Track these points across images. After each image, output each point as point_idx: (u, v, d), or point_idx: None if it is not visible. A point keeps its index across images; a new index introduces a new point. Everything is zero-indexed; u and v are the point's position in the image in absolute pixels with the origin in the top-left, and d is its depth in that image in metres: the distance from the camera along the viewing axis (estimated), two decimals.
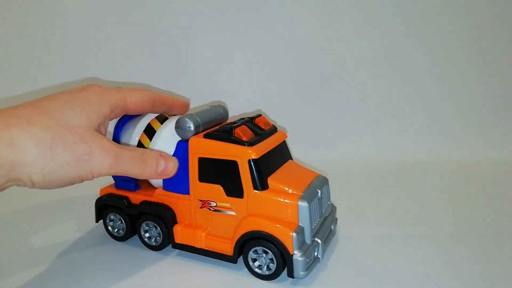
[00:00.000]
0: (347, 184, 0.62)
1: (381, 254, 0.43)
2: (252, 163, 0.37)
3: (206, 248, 0.41)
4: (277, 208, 0.37)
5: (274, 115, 0.74)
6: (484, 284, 0.37)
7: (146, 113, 0.44)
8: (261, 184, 0.37)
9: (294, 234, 0.36)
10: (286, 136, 0.45)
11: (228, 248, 0.39)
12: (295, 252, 0.36)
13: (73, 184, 0.33)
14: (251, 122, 0.42)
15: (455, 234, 0.47)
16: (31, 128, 0.30)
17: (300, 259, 0.36)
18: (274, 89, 0.76)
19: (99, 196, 0.46)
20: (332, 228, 0.44)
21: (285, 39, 0.74)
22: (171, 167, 0.39)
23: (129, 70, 0.74)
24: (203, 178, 0.39)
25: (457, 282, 0.38)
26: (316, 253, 0.38)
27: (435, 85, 0.76)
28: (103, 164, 0.33)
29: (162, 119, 0.44)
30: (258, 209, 0.38)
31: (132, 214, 0.44)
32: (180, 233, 0.41)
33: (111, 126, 0.54)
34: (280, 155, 0.42)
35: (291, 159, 0.45)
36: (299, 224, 0.37)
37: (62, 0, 0.73)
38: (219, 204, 0.39)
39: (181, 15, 0.74)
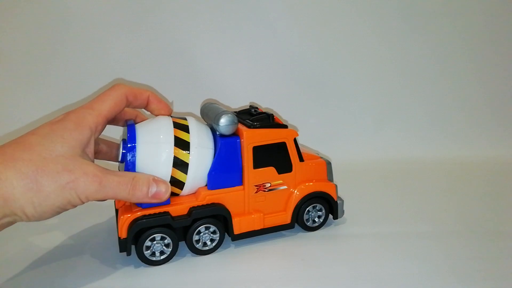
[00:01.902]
0: (348, 182, 0.59)
1: (381, 251, 0.44)
2: (295, 140, 0.46)
3: (265, 227, 0.45)
4: (314, 171, 0.48)
5: (274, 113, 0.70)
6: (485, 282, 0.38)
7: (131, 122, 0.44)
8: (300, 156, 0.47)
9: (336, 185, 0.48)
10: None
11: (284, 218, 0.46)
12: (338, 198, 0.49)
13: (66, 210, 0.35)
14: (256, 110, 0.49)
15: (456, 233, 0.47)
16: (15, 163, 0.32)
17: (340, 202, 0.49)
18: (275, 87, 0.74)
19: (133, 221, 0.40)
20: None
21: (286, 37, 0.73)
22: (163, 191, 0.39)
23: (129, 69, 0.70)
24: (257, 164, 0.44)
25: (458, 280, 0.38)
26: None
27: (437, 84, 0.77)
28: (89, 189, 0.34)
29: (182, 127, 0.43)
30: (302, 177, 0.47)
31: (185, 225, 0.42)
32: (239, 223, 0.44)
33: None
34: None
35: None
36: (328, 179, 0.49)
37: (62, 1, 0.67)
38: (273, 183, 0.45)
39: (181, 14, 0.69)
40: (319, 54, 0.75)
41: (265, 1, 0.71)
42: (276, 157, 0.45)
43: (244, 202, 0.44)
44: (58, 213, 0.35)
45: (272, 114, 0.46)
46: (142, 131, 0.41)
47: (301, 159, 0.47)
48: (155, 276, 0.40)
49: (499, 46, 0.76)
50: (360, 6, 0.73)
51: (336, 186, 0.49)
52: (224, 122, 0.42)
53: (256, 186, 0.45)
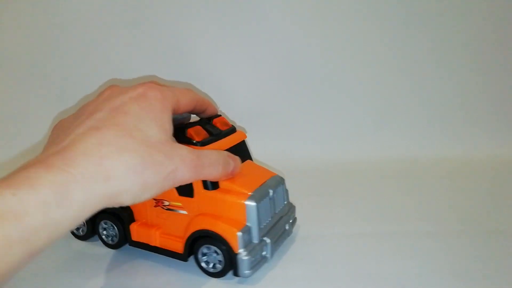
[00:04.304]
0: (348, 182, 0.63)
1: (380, 251, 0.44)
2: None
3: (160, 246, 0.42)
4: (226, 208, 0.38)
5: (273, 113, 0.76)
6: (485, 282, 0.38)
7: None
8: (211, 183, 0.38)
9: (239, 233, 0.37)
10: (245, 137, 0.46)
11: (179, 247, 0.40)
12: (240, 251, 0.37)
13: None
14: (208, 122, 0.43)
15: (456, 232, 0.47)
16: (122, 156, 0.29)
17: (244, 258, 0.37)
18: (273, 87, 0.76)
19: None
20: (287, 227, 0.44)
21: (285, 37, 0.74)
22: (238, 166, 0.40)
23: (129, 69, 0.73)
24: None
25: (459, 279, 0.38)
26: (264, 253, 0.39)
27: (436, 83, 0.76)
28: (185, 177, 0.33)
29: None
30: (208, 208, 0.39)
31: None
32: (137, 231, 0.42)
33: None
34: (237, 155, 0.43)
35: (251, 159, 0.46)
36: (247, 223, 0.38)
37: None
38: (172, 203, 0.40)
39: (181, 15, 0.74)
40: (317, 54, 0.75)
41: (267, 3, 0.72)
42: None
43: (146, 211, 0.42)
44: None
45: (185, 128, 0.40)
46: None
47: (208, 186, 0.38)
48: (152, 276, 0.41)
49: (498, 46, 0.74)
50: (360, 5, 0.73)
51: (240, 236, 0.37)
52: None
53: (155, 200, 0.41)
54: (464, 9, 0.73)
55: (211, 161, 0.35)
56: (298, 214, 0.49)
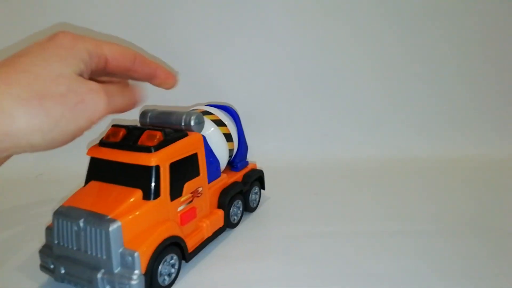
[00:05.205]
0: (347, 181, 0.65)
1: (379, 250, 0.44)
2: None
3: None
4: None
5: (273, 113, 0.76)
6: (485, 281, 0.39)
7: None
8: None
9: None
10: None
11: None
12: None
13: (75, 138, 0.31)
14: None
15: (455, 231, 0.48)
16: (11, 89, 0.27)
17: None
18: (271, 87, 0.77)
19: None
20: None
21: (286, 37, 0.76)
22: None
23: None
24: None
25: (459, 278, 0.39)
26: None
27: (430, 85, 0.78)
28: (98, 107, 0.30)
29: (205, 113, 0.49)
30: None
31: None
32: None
33: None
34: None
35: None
36: None
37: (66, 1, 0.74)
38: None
39: (183, 15, 0.75)
40: (318, 56, 0.76)
41: (266, 4, 0.72)
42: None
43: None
44: (67, 142, 0.30)
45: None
46: None
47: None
48: None
49: (491, 49, 0.76)
50: (361, 7, 0.73)
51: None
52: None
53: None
54: (458, 15, 0.75)
55: (119, 89, 0.33)
56: (296, 213, 0.51)
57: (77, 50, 0.31)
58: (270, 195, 0.59)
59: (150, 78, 0.37)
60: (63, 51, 0.31)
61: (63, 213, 0.36)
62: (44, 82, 0.28)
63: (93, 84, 0.30)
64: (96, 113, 0.30)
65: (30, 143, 0.28)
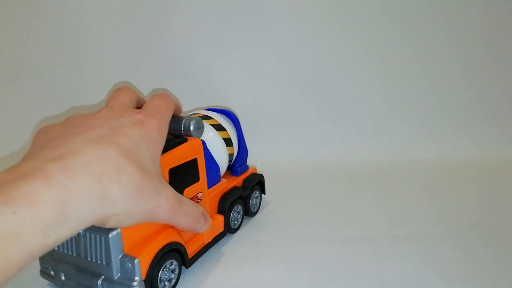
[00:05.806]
0: (348, 184, 0.65)
1: (380, 254, 0.44)
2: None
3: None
4: None
5: (273, 117, 0.77)
6: (485, 282, 0.39)
7: None
8: None
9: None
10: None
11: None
12: None
13: None
14: None
15: (456, 234, 0.48)
16: (121, 177, 0.28)
17: None
18: (274, 90, 0.77)
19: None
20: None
21: (285, 40, 0.76)
22: (206, 227, 0.39)
23: (132, 73, 0.75)
24: None
25: (459, 280, 0.39)
26: None
27: (432, 88, 0.78)
28: (163, 217, 0.32)
29: (205, 118, 0.49)
30: None
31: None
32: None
33: None
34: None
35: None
36: None
37: (65, 2, 0.74)
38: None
39: (182, 18, 0.75)
40: (317, 58, 0.76)
41: (266, 6, 0.73)
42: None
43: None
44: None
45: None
46: None
47: None
48: None
49: (491, 51, 0.76)
50: (361, 9, 0.74)
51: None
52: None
53: None
54: (458, 16, 0.75)
55: (187, 211, 0.35)
56: (297, 217, 0.51)
57: (161, 144, 0.34)
58: (271, 199, 0.59)
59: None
60: (153, 146, 0.33)
61: None
62: (142, 176, 0.30)
63: (170, 193, 0.33)
64: (158, 220, 0.32)
65: (103, 224, 0.29)
